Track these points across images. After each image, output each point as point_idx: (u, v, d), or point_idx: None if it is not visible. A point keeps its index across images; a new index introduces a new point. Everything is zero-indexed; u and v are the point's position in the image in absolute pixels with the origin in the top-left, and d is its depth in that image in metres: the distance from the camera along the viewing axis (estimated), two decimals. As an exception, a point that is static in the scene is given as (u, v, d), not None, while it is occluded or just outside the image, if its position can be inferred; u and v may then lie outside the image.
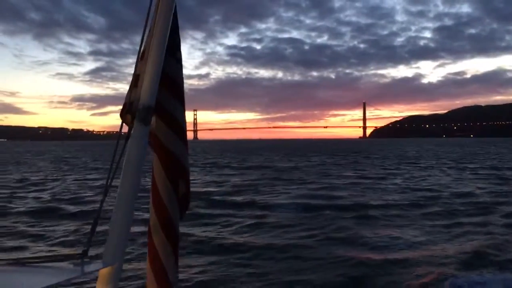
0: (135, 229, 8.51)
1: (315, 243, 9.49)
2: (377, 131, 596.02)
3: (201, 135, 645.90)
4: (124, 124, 1.52)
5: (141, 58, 1.55)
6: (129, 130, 1.49)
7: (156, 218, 1.68)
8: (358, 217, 12.37)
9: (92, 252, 1.39)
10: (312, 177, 25.70)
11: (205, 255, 8.60)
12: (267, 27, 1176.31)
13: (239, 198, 16.48)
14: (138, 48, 1.56)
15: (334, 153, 66.89)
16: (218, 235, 10.47)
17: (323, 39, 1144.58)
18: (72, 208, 14.32)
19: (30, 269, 1.33)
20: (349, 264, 7.84)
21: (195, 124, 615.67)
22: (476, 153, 59.90)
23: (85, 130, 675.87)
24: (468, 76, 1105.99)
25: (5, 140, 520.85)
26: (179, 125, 1.71)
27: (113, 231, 1.42)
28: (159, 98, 1.63)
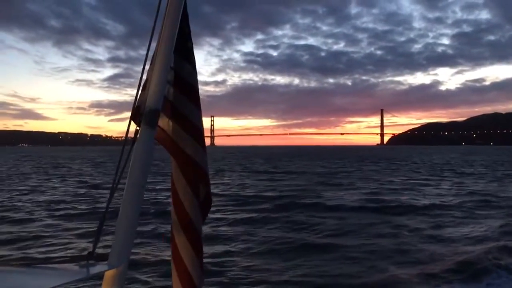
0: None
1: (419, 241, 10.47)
2: (395, 138, 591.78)
3: (218, 141, 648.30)
4: (132, 127, 1.54)
5: (150, 62, 1.58)
6: (136, 133, 1.51)
7: (177, 220, 1.71)
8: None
9: (98, 253, 1.43)
10: (358, 182, 26.67)
11: (311, 254, 9.42)
12: (284, 33, 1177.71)
13: (307, 201, 17.48)
14: (150, 53, 1.59)
15: (363, 159, 67.31)
16: (317, 236, 11.33)
17: (340, 46, 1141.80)
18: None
19: (37, 271, 1.36)
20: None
21: (212, 130, 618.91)
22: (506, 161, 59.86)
23: (103, 135, 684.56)
24: (487, 83, 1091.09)
25: (26, 145, 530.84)
26: (196, 129, 1.73)
27: (119, 233, 1.44)
28: (174, 102, 1.69)
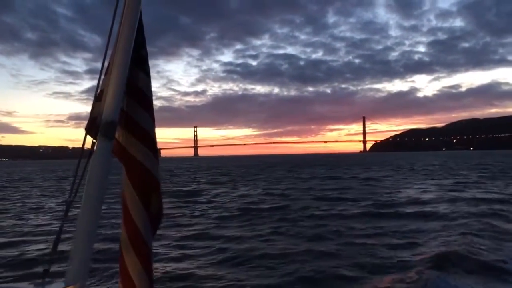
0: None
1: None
2: (377, 145, 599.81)
3: (201, 152, 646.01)
4: (88, 139, 1.49)
5: (106, 73, 1.54)
6: (93, 145, 1.46)
7: (126, 235, 1.65)
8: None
9: (54, 271, 1.38)
10: (394, 186, 28.26)
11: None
12: (263, 43, 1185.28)
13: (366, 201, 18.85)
14: (107, 63, 1.54)
15: (367, 167, 68.50)
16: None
17: (318, 55, 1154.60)
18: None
19: None
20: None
21: (195, 140, 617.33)
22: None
23: (85, 148, 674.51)
24: (463, 89, 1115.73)
25: (6, 159, 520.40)
26: (149, 137, 1.70)
27: (76, 250, 1.36)
28: (128, 111, 1.65)
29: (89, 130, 1.51)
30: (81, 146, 1.52)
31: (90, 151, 1.46)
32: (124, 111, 1.64)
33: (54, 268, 1.41)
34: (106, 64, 1.54)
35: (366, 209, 16.96)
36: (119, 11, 1.50)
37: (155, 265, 7.73)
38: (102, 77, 1.53)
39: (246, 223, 14.43)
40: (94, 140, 1.47)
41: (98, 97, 1.53)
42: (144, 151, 1.67)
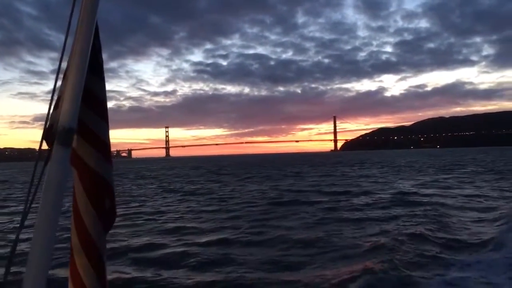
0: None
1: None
2: (348, 144, 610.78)
3: (172, 152, 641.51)
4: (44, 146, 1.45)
5: (63, 78, 1.52)
6: (49, 153, 1.41)
7: (77, 239, 1.63)
8: None
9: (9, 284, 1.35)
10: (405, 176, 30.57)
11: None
12: (233, 43, 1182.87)
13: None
14: (62, 67, 1.52)
15: (354, 164, 71.31)
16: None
17: (288, 55, 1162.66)
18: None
19: None
20: None
21: (167, 141, 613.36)
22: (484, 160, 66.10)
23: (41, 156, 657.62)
24: (429, 88, 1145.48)
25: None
26: (103, 143, 1.70)
27: (32, 262, 1.31)
28: (81, 116, 1.61)
29: (45, 138, 1.47)
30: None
31: (46, 160, 1.42)
32: (79, 118, 1.61)
33: (10, 279, 1.37)
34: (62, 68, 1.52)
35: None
36: (76, 14, 1.48)
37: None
38: (59, 82, 1.51)
39: (294, 215, 16.34)
40: (50, 148, 1.43)
41: (55, 103, 1.50)
42: (98, 157, 1.66)
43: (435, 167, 51.43)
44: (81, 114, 1.60)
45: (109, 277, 8.00)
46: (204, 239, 12.00)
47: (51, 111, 1.49)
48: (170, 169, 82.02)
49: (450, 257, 9.28)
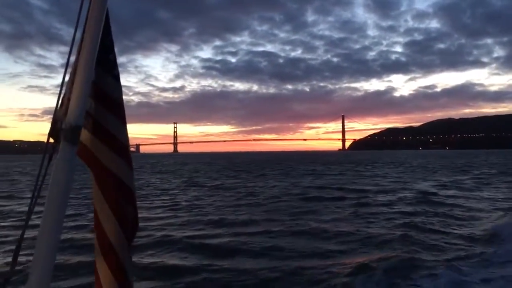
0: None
1: None
2: (356, 144, 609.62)
3: (180, 148, 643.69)
4: (51, 143, 1.47)
5: (71, 75, 1.50)
6: (55, 150, 1.42)
7: (98, 245, 1.63)
8: None
9: (15, 280, 1.37)
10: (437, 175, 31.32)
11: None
12: (242, 40, 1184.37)
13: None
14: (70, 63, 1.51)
15: (368, 164, 71.89)
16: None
17: (297, 53, 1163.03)
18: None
19: None
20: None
21: (175, 137, 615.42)
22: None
23: (48, 153, 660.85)
24: (438, 89, 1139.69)
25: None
26: (121, 144, 1.66)
27: (38, 258, 1.32)
28: (96, 117, 1.62)
29: (52, 134, 1.46)
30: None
31: (50, 156, 1.44)
32: (93, 116, 1.62)
33: (15, 277, 1.37)
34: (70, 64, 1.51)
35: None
36: (85, 8, 1.46)
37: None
38: (66, 79, 1.50)
39: (325, 209, 17.19)
40: (56, 145, 1.42)
41: (62, 100, 1.49)
42: (117, 161, 1.64)
43: (449, 168, 51.96)
44: (95, 113, 1.63)
45: (165, 264, 8.80)
46: (250, 229, 12.86)
47: (58, 107, 1.50)
48: (183, 164, 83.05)
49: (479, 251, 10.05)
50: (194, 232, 12.58)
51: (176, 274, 8.38)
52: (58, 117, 1.47)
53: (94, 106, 1.64)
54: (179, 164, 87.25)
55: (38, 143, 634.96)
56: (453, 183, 28.71)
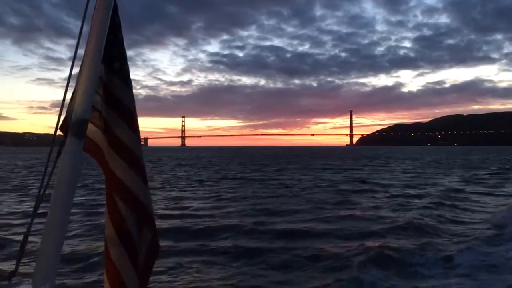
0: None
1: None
2: (364, 139, 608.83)
3: (187, 142, 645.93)
4: (58, 137, 1.47)
5: (79, 71, 1.50)
6: (62, 143, 1.43)
7: (113, 230, 1.61)
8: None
9: (21, 272, 1.38)
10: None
11: None
12: (249, 34, 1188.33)
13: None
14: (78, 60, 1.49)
15: (383, 159, 72.89)
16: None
17: (305, 48, 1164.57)
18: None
19: None
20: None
21: (183, 131, 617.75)
22: None
23: (55, 146, 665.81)
24: (447, 85, 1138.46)
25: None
26: (129, 152, 1.62)
27: (44, 250, 1.34)
28: (104, 114, 1.61)
29: (59, 128, 1.47)
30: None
31: (59, 150, 1.43)
32: (99, 112, 1.61)
33: (22, 269, 1.38)
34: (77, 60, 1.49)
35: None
36: (91, 6, 1.46)
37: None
38: (73, 73, 1.49)
39: (366, 200, 18.54)
40: (64, 138, 1.43)
41: (71, 94, 1.48)
42: (124, 168, 1.60)
43: (464, 164, 53.01)
44: (102, 109, 1.61)
45: (248, 246, 10.03)
46: (303, 217, 14.22)
47: (66, 101, 1.48)
48: (199, 158, 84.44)
49: None
50: (256, 219, 13.81)
51: (261, 255, 9.51)
52: (66, 110, 1.50)
53: (101, 103, 1.62)
54: (194, 157, 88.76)
55: (47, 136, 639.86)
56: (475, 179, 29.88)
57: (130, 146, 1.61)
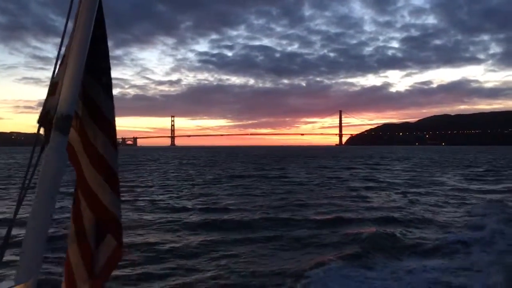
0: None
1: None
2: (353, 139, 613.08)
3: (177, 142, 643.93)
4: (42, 132, 1.44)
5: (60, 64, 1.48)
6: (46, 139, 1.41)
7: (73, 226, 1.63)
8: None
9: (3, 268, 1.95)
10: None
11: None
12: (238, 34, 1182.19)
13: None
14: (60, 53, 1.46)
15: (378, 158, 74.54)
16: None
17: (294, 47, 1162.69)
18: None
19: None
20: None
21: (172, 130, 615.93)
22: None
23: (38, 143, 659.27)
24: (435, 85, 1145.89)
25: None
26: (104, 163, 1.60)
27: (27, 246, 1.33)
28: (85, 126, 1.60)
29: (43, 124, 1.44)
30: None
31: (42, 146, 1.41)
32: (81, 122, 1.59)
33: (4, 265, 1.43)
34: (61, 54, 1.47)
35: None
36: (76, 2, 1.44)
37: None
38: (57, 68, 1.47)
39: (378, 197, 20.00)
40: (46, 134, 1.40)
41: (53, 89, 1.45)
42: (98, 182, 1.60)
43: (458, 162, 54.98)
44: (88, 129, 1.60)
45: (296, 235, 11.58)
46: (330, 208, 15.71)
47: (50, 97, 1.47)
48: (196, 158, 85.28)
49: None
50: (288, 213, 15.02)
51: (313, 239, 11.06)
52: (48, 106, 1.46)
53: (81, 108, 1.60)
54: (190, 157, 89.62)
55: (34, 135, 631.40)
56: (474, 176, 31.61)
57: (103, 154, 1.60)
